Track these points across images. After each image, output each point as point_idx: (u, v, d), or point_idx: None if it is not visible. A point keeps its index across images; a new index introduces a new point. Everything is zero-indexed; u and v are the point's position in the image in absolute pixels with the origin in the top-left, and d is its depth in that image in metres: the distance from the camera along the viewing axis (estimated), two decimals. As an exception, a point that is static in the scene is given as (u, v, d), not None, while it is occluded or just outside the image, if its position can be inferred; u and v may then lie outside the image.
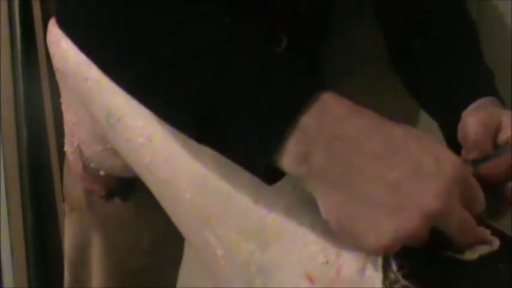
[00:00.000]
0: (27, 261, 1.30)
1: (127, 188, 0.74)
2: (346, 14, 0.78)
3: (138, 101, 0.49)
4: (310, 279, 0.46)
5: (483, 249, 0.45)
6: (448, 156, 0.40)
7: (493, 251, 0.45)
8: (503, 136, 0.59)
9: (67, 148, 0.75)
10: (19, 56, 1.25)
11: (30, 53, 1.25)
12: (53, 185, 1.30)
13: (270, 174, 0.43)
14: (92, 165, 0.71)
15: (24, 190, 1.29)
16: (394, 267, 0.43)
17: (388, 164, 0.39)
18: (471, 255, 0.44)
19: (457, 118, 0.65)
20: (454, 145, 0.65)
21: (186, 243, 0.73)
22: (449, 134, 0.66)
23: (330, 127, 0.40)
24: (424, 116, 0.89)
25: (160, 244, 0.79)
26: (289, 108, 0.41)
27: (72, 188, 0.78)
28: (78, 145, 0.72)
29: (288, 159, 0.41)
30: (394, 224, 0.39)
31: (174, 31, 0.44)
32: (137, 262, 0.79)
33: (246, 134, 0.42)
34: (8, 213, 1.28)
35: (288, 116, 0.41)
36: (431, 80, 0.72)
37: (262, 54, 0.44)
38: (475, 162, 0.51)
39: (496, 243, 0.46)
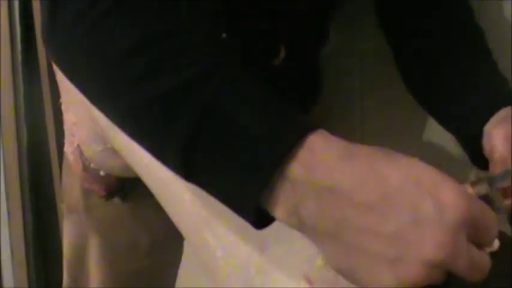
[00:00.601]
0: (27, 261, 1.30)
1: (127, 188, 0.74)
2: (346, 14, 0.78)
3: (127, 135, 0.47)
4: (309, 281, 0.46)
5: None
6: (450, 198, 0.37)
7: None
8: None
9: (67, 148, 0.75)
10: (19, 56, 1.25)
11: (30, 53, 1.25)
12: (53, 185, 1.30)
13: (261, 220, 0.41)
14: (92, 165, 0.71)
15: (24, 190, 1.29)
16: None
17: (383, 215, 0.37)
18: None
19: (478, 133, 0.62)
20: (478, 159, 0.62)
21: (185, 243, 0.73)
22: (472, 149, 0.64)
23: (320, 178, 0.38)
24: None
25: (158, 246, 0.78)
26: (275, 158, 0.38)
27: (70, 189, 0.78)
28: (78, 145, 0.72)
29: (278, 210, 0.39)
30: (394, 275, 0.37)
31: (158, 67, 0.42)
32: (135, 264, 0.78)
33: (232, 183, 0.40)
34: (8, 213, 1.28)
35: (274, 167, 0.38)
36: (446, 92, 0.69)
37: (247, 93, 0.42)
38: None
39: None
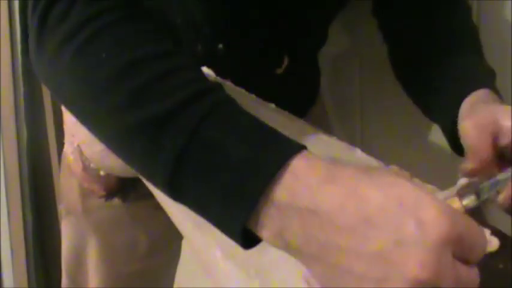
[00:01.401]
0: (27, 261, 1.30)
1: (127, 188, 0.74)
2: (346, 16, 0.78)
3: (116, 155, 0.48)
4: (308, 282, 0.46)
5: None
6: (432, 216, 0.37)
7: (493, 251, 0.45)
8: (504, 138, 0.55)
9: (67, 148, 0.75)
10: (19, 56, 1.25)
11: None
12: (52, 186, 1.30)
13: (248, 241, 0.42)
14: (91, 165, 0.71)
15: (24, 190, 1.29)
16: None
17: (365, 236, 0.37)
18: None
19: (454, 116, 0.62)
20: (459, 148, 0.62)
21: (183, 243, 0.72)
22: (449, 135, 0.65)
23: (303, 201, 0.38)
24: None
25: (157, 247, 0.78)
26: (260, 183, 0.39)
27: (68, 191, 0.78)
28: (78, 145, 0.72)
29: (263, 233, 0.40)
30: None
31: (145, 93, 0.43)
32: (133, 265, 0.78)
33: (219, 207, 0.41)
34: (8, 213, 1.28)
35: (259, 191, 0.39)
36: (425, 74, 0.70)
37: (233, 117, 0.42)
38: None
39: (496, 243, 0.45)
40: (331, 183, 0.39)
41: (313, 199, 0.38)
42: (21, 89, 1.27)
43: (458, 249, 0.37)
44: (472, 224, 0.39)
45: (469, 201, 0.44)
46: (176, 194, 0.43)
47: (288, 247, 0.40)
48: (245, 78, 0.61)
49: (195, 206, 0.43)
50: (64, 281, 0.82)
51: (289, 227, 0.39)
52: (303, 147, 0.40)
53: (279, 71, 0.70)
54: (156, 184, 0.44)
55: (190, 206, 0.43)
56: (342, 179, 0.39)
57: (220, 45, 0.65)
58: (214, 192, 0.40)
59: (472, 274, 0.38)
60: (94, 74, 0.44)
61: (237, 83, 0.59)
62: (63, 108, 0.75)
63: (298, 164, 0.39)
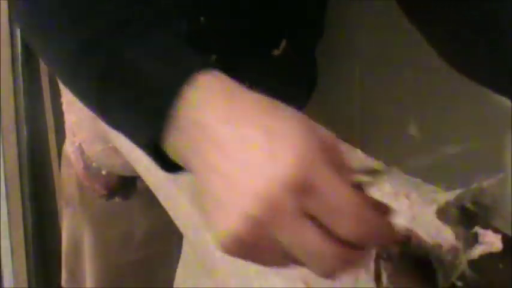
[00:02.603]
0: (27, 261, 1.30)
1: (128, 187, 0.75)
2: (347, 14, 0.78)
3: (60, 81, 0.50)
4: (306, 283, 0.46)
5: (483, 249, 0.45)
6: (290, 155, 0.34)
7: (493, 251, 0.45)
8: None
9: (68, 147, 0.76)
10: (19, 56, 1.25)
11: (30, 52, 1.25)
12: (53, 185, 1.30)
13: (168, 164, 0.41)
14: (93, 164, 0.72)
15: (24, 190, 1.29)
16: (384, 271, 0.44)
17: (227, 153, 0.35)
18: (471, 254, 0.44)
19: None
20: None
21: (184, 242, 0.73)
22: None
23: (196, 114, 0.38)
24: (417, 117, 0.89)
25: (152, 239, 0.78)
26: (163, 96, 0.39)
27: (66, 183, 0.78)
28: (79, 144, 0.72)
29: (168, 150, 0.39)
30: (217, 221, 0.35)
31: (80, 18, 0.44)
32: (129, 257, 0.78)
33: (131, 124, 0.41)
34: (8, 213, 1.28)
35: (162, 105, 0.38)
36: None
37: (154, 41, 0.42)
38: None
39: (499, 244, 0.45)
40: (229, 100, 0.38)
41: (204, 112, 0.37)
42: (21, 89, 1.27)
43: (313, 206, 0.34)
44: (339, 185, 0.35)
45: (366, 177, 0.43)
46: (105, 117, 0.44)
47: (184, 165, 0.39)
48: (236, 59, 0.60)
49: (116, 125, 0.44)
50: (64, 275, 0.82)
51: (183, 140, 0.38)
52: (210, 65, 0.40)
53: (277, 52, 0.68)
54: (89, 106, 0.45)
55: (115, 127, 0.44)
56: (240, 100, 0.38)
57: (202, 19, 0.64)
58: (128, 110, 0.41)
59: (329, 247, 0.34)
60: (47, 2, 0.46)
61: (227, 63, 0.59)
62: (64, 108, 0.75)
63: (202, 79, 0.39)
